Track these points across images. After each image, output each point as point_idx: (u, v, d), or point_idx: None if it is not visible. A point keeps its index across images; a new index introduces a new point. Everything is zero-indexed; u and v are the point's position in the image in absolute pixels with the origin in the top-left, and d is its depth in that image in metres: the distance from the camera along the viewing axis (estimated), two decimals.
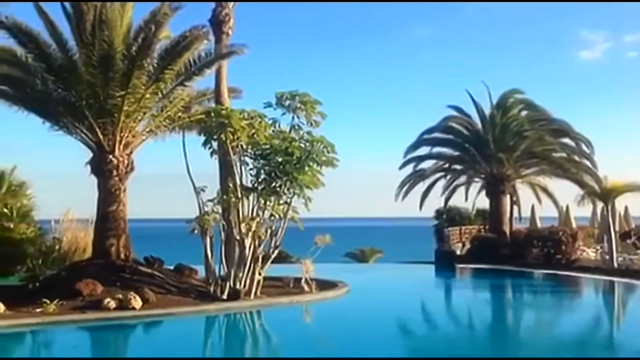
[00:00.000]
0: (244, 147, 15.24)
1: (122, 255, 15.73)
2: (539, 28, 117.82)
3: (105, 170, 15.60)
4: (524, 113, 27.33)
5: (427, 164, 28.52)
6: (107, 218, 15.73)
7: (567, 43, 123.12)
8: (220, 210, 15.33)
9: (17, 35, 14.16)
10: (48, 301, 12.56)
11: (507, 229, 26.86)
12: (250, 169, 15.53)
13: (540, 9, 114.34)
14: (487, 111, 27.64)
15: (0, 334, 11.43)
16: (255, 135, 15.12)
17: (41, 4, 14.50)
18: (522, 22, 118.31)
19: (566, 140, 26.96)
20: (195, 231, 14.90)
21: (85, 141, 15.91)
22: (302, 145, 15.33)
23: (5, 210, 16.52)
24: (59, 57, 14.78)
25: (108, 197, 15.73)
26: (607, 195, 22.50)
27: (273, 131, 15.62)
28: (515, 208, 28.85)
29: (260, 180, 15.37)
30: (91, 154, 15.96)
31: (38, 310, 12.41)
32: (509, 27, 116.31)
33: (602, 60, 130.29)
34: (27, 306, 12.59)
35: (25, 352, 11.30)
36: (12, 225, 15.92)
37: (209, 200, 15.24)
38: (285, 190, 15.36)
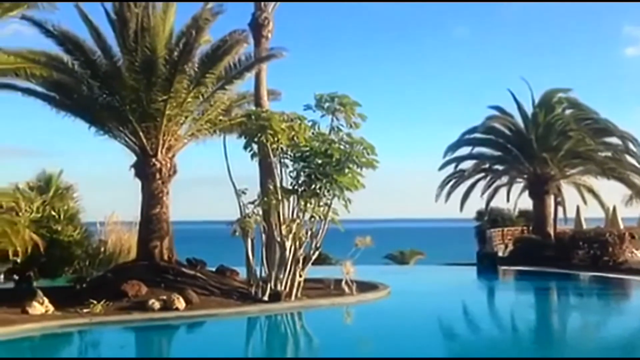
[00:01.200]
0: (284, 149, 15.31)
1: (166, 257, 16.00)
2: (581, 25, 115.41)
3: (149, 174, 15.89)
4: (568, 112, 26.66)
5: (468, 165, 28.12)
6: (151, 220, 16.02)
7: (612, 40, 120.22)
8: (260, 212, 15.43)
9: (64, 43, 14.56)
10: (95, 302, 12.87)
11: (551, 230, 26.27)
12: (290, 171, 15.61)
13: (582, 6, 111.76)
14: (529, 110, 27.09)
15: (50, 333, 11.77)
16: (295, 138, 15.18)
17: (86, 11, 14.87)
18: (563, 20, 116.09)
19: (612, 139, 26.21)
20: (237, 233, 15.04)
21: (129, 145, 16.25)
22: (342, 147, 15.33)
23: (53, 213, 16.96)
24: (104, 64, 15.14)
25: (151, 199, 16.02)
26: None
27: (313, 133, 15.65)
28: (560, 209, 28.16)
29: (300, 182, 15.43)
30: (135, 158, 16.30)
31: (85, 310, 12.73)
32: (550, 25, 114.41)
33: None
34: (75, 307, 12.92)
35: (73, 352, 11.61)
36: (59, 228, 16.34)
37: (250, 203, 15.37)
38: (325, 192, 15.37)
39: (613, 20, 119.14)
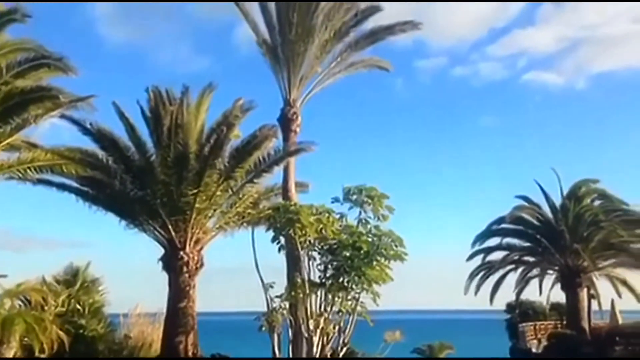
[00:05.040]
0: (312, 242, 15.20)
1: (190, 353, 15.63)
2: (603, 116, 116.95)
3: (176, 267, 15.84)
4: (597, 203, 26.34)
5: (497, 255, 27.58)
6: (177, 314, 15.79)
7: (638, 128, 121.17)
8: (287, 306, 15.13)
9: (100, 140, 15.02)
10: None
11: (586, 325, 25.25)
12: (318, 264, 15.41)
13: (606, 95, 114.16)
14: (558, 201, 26.80)
15: None
16: (323, 230, 15.10)
17: (123, 109, 15.42)
18: (586, 110, 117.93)
19: None
20: (264, 328, 14.71)
21: (158, 238, 16.31)
22: (370, 239, 15.19)
23: (78, 306, 16.88)
24: (137, 159, 15.53)
25: (178, 293, 15.87)
26: None
27: (341, 226, 15.58)
28: (594, 302, 27.22)
29: (328, 275, 15.20)
30: (163, 251, 16.30)
31: None
32: (573, 111, 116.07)
33: None
34: None
35: None
36: (84, 322, 16.19)
37: (277, 297, 15.11)
38: (354, 285, 15.09)
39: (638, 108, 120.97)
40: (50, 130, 17.65)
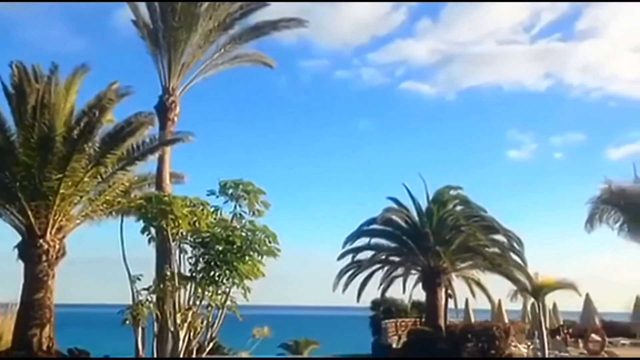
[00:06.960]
0: (184, 234, 14.94)
1: (45, 347, 14.75)
2: (472, 128, 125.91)
3: (34, 255, 14.86)
4: (459, 208, 28.11)
5: (366, 255, 28.58)
6: (32, 306, 14.82)
7: (497, 143, 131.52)
8: (155, 299, 14.75)
9: None
10: None
11: (442, 323, 26.88)
12: (189, 257, 15.17)
13: (473, 109, 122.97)
14: (424, 204, 28.25)
15: None
16: (196, 223, 14.89)
17: None
18: (455, 119, 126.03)
19: (498, 236, 27.70)
20: (127, 322, 14.22)
21: (15, 224, 15.19)
22: (244, 234, 15.19)
23: None
24: None
25: (35, 283, 14.90)
26: (538, 291, 23.06)
27: (215, 219, 15.44)
28: (451, 301, 29.04)
29: (198, 268, 15.01)
30: (20, 238, 15.21)
31: None
32: (443, 122, 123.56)
33: (531, 160, 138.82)
34: None
35: None
36: None
37: (144, 289, 14.68)
38: (225, 280, 15.02)
39: (499, 124, 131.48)
40: None
